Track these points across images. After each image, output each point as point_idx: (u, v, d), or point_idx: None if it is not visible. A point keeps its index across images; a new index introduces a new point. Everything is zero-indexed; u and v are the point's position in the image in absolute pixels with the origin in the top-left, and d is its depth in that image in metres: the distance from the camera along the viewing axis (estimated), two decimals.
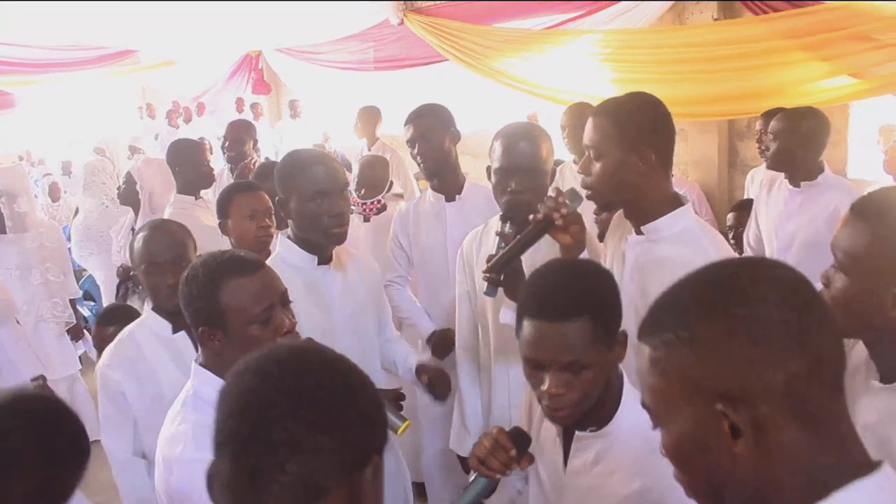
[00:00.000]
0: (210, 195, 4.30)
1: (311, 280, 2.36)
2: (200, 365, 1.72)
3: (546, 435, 1.77)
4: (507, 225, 2.27)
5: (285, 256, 2.38)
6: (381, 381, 2.64)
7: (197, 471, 1.30)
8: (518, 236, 2.15)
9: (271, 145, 9.41)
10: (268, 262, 1.94)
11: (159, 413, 1.83)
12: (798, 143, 3.42)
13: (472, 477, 1.65)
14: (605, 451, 1.62)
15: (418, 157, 3.16)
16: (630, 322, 2.03)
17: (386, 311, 2.73)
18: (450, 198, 3.21)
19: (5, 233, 4.14)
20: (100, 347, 2.83)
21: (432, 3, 6.61)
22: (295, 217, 2.36)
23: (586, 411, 1.59)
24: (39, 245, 4.28)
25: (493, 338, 2.63)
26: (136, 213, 4.45)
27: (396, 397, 2.42)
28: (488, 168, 2.47)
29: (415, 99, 6.46)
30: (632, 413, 1.57)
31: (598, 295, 1.58)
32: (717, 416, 0.87)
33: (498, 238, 2.24)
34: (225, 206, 2.97)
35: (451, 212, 3.21)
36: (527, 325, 1.57)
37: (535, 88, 5.58)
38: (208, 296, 1.66)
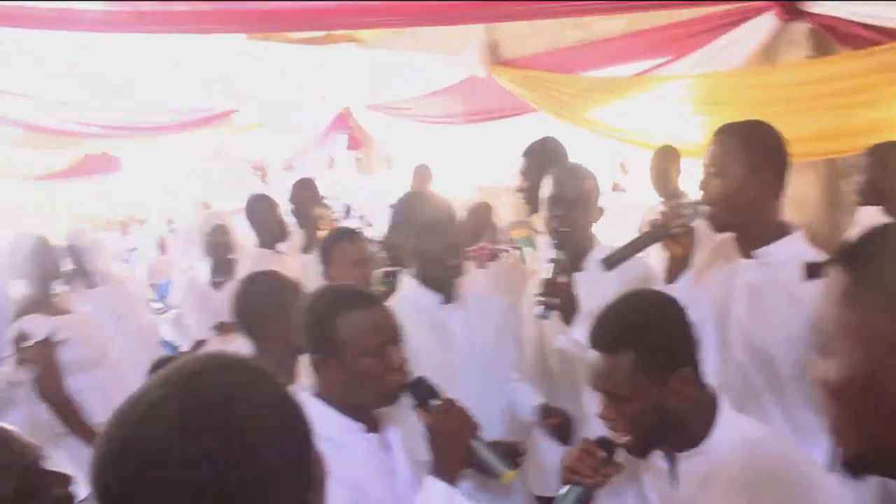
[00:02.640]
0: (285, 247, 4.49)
1: (434, 319, 2.42)
2: (312, 394, 1.78)
3: (650, 459, 1.77)
4: (558, 252, 2.41)
5: (409, 295, 2.44)
6: (505, 425, 2.61)
7: None
8: (637, 238, 2.23)
9: (365, 199, 9.63)
10: (392, 301, 2.02)
11: None
12: (886, 175, 3.34)
13: (563, 490, 1.66)
14: (712, 469, 1.62)
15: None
16: (738, 346, 2.04)
17: (512, 351, 2.71)
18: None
19: (94, 286, 4.52)
20: None
21: (518, 55, 6.70)
22: (412, 256, 2.44)
23: (655, 437, 1.62)
24: (124, 294, 4.61)
25: (557, 362, 2.67)
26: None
27: (511, 452, 2.42)
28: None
29: (505, 150, 6.55)
30: (733, 430, 1.60)
31: (651, 330, 1.62)
32: None
33: (552, 264, 2.36)
34: (327, 254, 3.06)
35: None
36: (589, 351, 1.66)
37: (625, 135, 5.58)
38: (325, 325, 1.72)
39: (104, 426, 0.91)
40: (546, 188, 2.62)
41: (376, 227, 6.01)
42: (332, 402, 1.74)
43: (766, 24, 4.92)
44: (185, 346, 5.34)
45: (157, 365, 3.06)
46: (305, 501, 0.94)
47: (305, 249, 4.54)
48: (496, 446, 1.94)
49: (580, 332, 2.22)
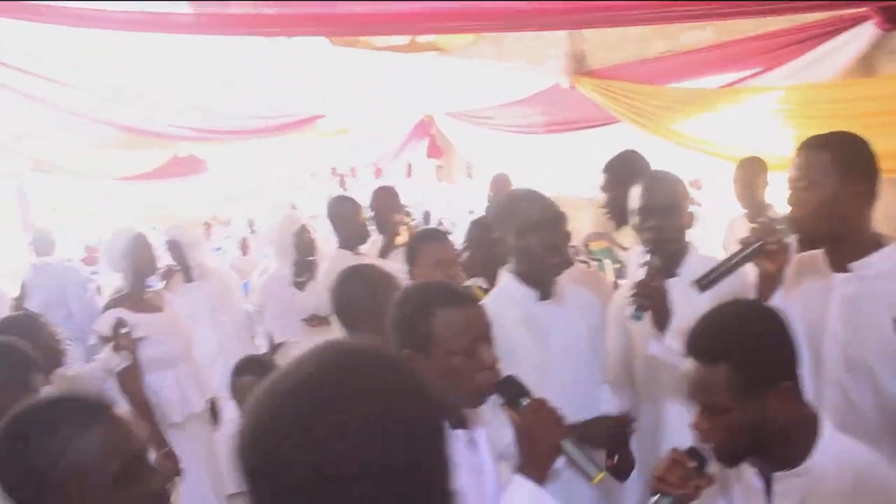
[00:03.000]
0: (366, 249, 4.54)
1: (530, 314, 2.42)
2: None
3: (744, 476, 1.72)
4: (653, 256, 2.37)
5: (506, 290, 2.47)
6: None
7: None
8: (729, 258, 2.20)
9: (445, 206, 9.68)
10: (490, 295, 2.03)
11: None
12: None
13: (653, 500, 1.65)
14: (811, 493, 1.58)
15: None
16: (836, 362, 1.99)
17: (603, 351, 2.72)
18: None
19: (192, 280, 4.63)
20: (236, 397, 2.94)
21: (603, 65, 6.64)
22: (513, 252, 2.46)
23: (749, 451, 1.58)
24: (221, 290, 4.72)
25: (641, 371, 2.63)
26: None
27: (617, 424, 2.42)
28: None
29: (585, 160, 6.49)
30: (835, 451, 1.54)
31: (751, 341, 1.57)
32: None
33: (645, 268, 2.34)
34: (413, 255, 3.07)
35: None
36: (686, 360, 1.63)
37: (712, 147, 5.46)
38: (418, 321, 1.72)
39: (252, 400, 0.92)
40: (635, 198, 2.58)
41: (456, 234, 6.01)
42: None
43: (864, 33, 4.76)
44: (262, 344, 5.47)
45: (242, 365, 3.11)
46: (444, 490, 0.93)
47: (383, 254, 4.57)
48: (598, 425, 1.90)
49: (673, 339, 2.19)
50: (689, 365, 1.59)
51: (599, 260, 7.57)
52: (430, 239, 3.17)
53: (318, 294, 4.22)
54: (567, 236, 2.55)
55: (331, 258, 4.33)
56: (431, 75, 7.20)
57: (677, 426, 2.43)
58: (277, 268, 4.67)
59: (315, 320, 4.25)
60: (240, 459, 0.90)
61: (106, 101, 6.69)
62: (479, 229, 3.85)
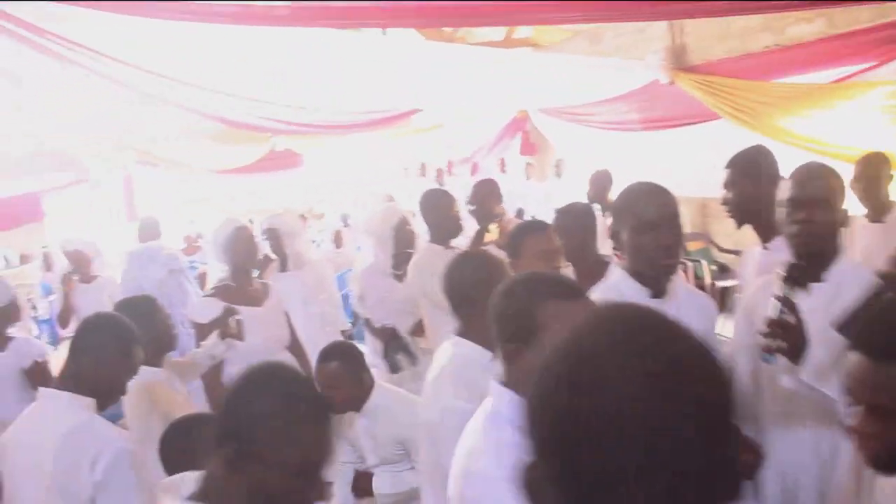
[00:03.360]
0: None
1: None
2: (501, 383, 1.73)
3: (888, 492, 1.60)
4: (789, 287, 2.17)
5: (617, 286, 2.37)
6: None
7: (494, 488, 1.45)
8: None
9: (537, 204, 9.59)
10: (601, 290, 1.97)
11: None
12: None
13: None
14: None
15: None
16: None
17: None
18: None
19: (287, 269, 4.67)
20: (320, 383, 2.93)
21: (704, 60, 6.45)
22: (627, 249, 2.38)
23: None
24: (314, 280, 4.74)
25: (772, 402, 2.47)
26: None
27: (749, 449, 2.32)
28: None
29: (682, 158, 6.30)
30: None
31: None
32: None
33: (778, 302, 2.14)
34: (517, 247, 2.99)
35: None
36: (850, 355, 1.46)
37: (821, 146, 5.22)
38: (525, 312, 1.65)
39: (543, 364, 0.92)
40: (785, 189, 2.40)
41: None
42: (525, 395, 1.68)
43: None
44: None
45: (328, 351, 3.10)
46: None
47: (473, 248, 4.53)
48: None
49: (810, 373, 2.01)
50: (854, 360, 1.43)
51: (697, 261, 7.39)
52: (533, 230, 3.05)
53: (415, 288, 4.23)
54: (680, 237, 2.39)
55: (420, 251, 4.31)
56: (527, 71, 7.12)
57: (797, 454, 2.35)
58: (376, 259, 4.67)
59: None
60: (539, 427, 0.91)
61: (209, 95, 6.85)
62: (569, 219, 3.76)
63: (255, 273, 4.59)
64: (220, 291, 3.87)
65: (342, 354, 2.98)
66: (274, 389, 1.48)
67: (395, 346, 4.48)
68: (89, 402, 2.22)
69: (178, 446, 2.25)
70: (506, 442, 1.53)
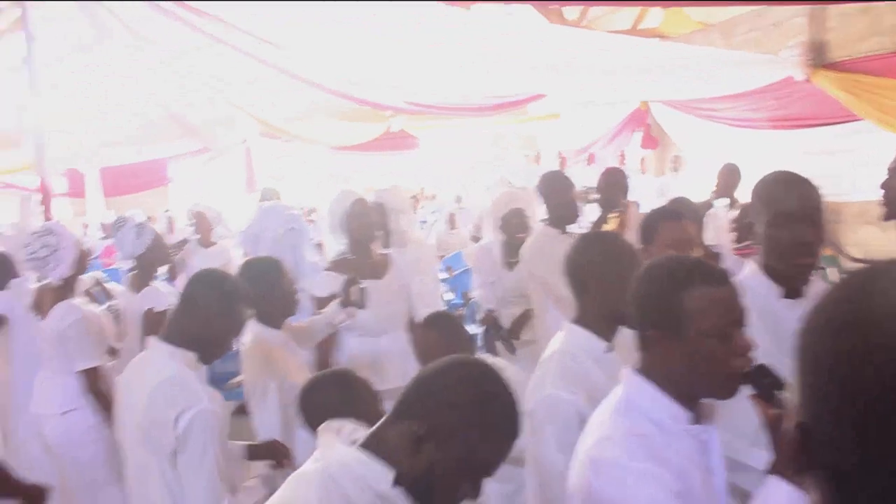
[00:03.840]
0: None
1: (771, 312, 2.10)
2: (636, 371, 1.63)
3: None
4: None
5: (748, 281, 2.14)
6: None
7: (625, 478, 1.47)
8: None
9: (649, 199, 9.29)
10: None
11: None
12: None
13: None
14: None
15: None
16: None
17: None
18: None
19: (389, 246, 4.62)
20: (418, 351, 2.84)
21: (847, 56, 6.06)
22: (761, 242, 2.19)
23: None
24: (414, 259, 4.66)
25: None
26: None
27: None
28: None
29: (810, 159, 5.95)
30: None
31: None
32: None
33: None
34: (649, 233, 2.83)
35: None
36: None
37: None
38: (669, 297, 1.56)
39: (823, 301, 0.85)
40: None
41: None
42: (661, 384, 1.58)
43: None
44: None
45: (431, 320, 3.00)
46: None
47: None
48: None
49: None
50: None
51: (823, 268, 6.96)
52: (669, 216, 2.86)
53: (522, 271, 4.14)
54: (821, 234, 2.14)
55: (536, 233, 4.20)
56: (652, 62, 6.86)
57: None
58: (489, 241, 4.60)
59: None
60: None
61: (333, 71, 6.92)
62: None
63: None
64: (340, 265, 3.81)
65: (442, 324, 2.86)
66: (483, 387, 1.46)
67: (495, 332, 4.40)
68: (190, 356, 2.22)
69: (318, 400, 2.23)
70: (638, 432, 1.52)
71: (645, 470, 1.48)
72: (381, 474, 1.39)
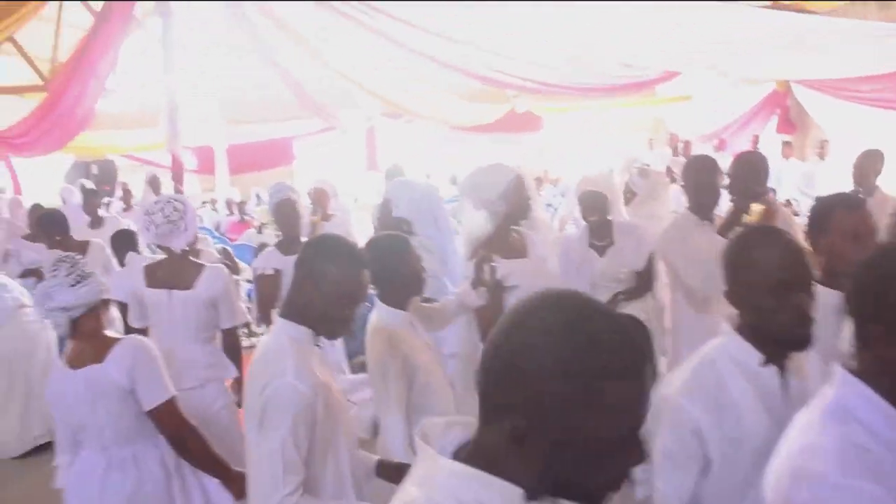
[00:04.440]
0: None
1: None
2: (850, 372, 1.40)
3: None
4: None
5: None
6: None
7: (834, 495, 1.25)
8: None
9: (795, 188, 8.73)
10: None
11: (735, 462, 1.74)
12: None
13: None
14: None
15: None
16: None
17: None
18: None
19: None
20: None
21: None
22: None
23: None
24: (544, 241, 4.49)
25: None
26: None
27: None
28: None
29: None
30: None
31: None
32: None
33: None
34: (824, 221, 2.51)
35: None
36: None
37: None
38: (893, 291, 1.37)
39: None
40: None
41: (801, 218, 5.23)
42: (880, 389, 1.35)
43: None
44: None
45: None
46: None
47: (723, 231, 3.98)
48: None
49: None
50: None
51: None
52: (847, 205, 2.51)
53: (617, 257, 3.90)
54: None
55: (675, 220, 3.86)
56: (793, 37, 6.37)
57: None
58: (572, 228, 4.39)
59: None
60: None
61: (458, 48, 6.83)
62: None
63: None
64: (484, 243, 3.59)
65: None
66: (577, 332, 1.04)
67: None
68: (302, 331, 2.03)
69: None
70: (852, 441, 1.30)
71: (860, 489, 1.27)
72: (503, 496, 1.06)
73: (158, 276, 3.37)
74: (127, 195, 8.85)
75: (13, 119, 10.25)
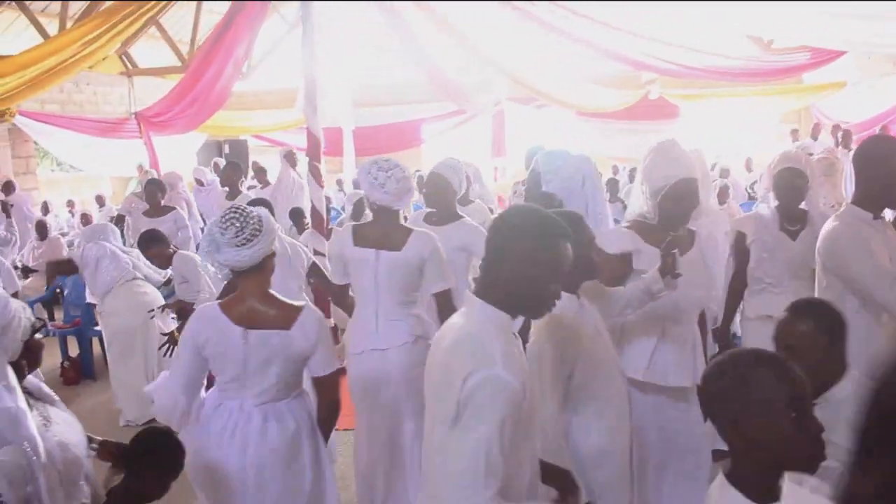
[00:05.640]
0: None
1: None
2: None
3: None
4: None
5: None
6: None
7: None
8: None
9: None
10: None
11: None
12: None
13: None
14: None
15: None
16: None
17: None
18: None
19: None
20: (782, 343, 2.35)
21: None
22: None
23: None
24: (708, 234, 4.18)
25: None
26: None
27: None
28: None
29: None
30: None
31: None
32: None
33: None
34: None
35: None
36: None
37: None
38: None
39: None
40: None
41: None
42: None
43: None
44: None
45: (802, 307, 2.45)
46: None
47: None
48: None
49: None
50: None
51: None
52: None
53: (810, 246, 3.50)
54: None
55: (840, 215, 3.41)
56: None
57: None
58: (764, 209, 4.01)
59: None
60: None
61: (599, 29, 6.64)
62: None
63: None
64: (637, 226, 3.25)
65: (819, 315, 2.23)
66: None
67: None
68: (500, 314, 1.82)
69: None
70: None
71: None
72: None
73: (367, 236, 3.37)
74: (260, 173, 8.98)
75: (154, 100, 10.72)
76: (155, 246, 4.60)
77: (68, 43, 7.17)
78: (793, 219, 3.63)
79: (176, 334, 4.04)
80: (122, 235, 7.08)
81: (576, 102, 11.24)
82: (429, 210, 4.21)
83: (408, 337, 3.33)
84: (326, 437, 2.63)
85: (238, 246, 2.35)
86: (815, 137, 10.73)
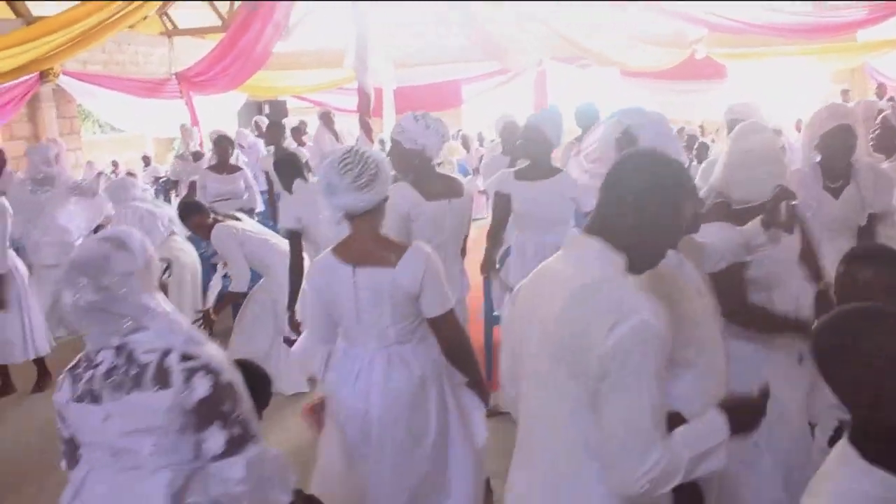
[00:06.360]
0: None
1: None
2: None
3: None
4: None
5: None
6: None
7: None
8: None
9: None
10: None
11: None
12: None
13: None
14: None
15: None
16: None
17: None
18: None
19: None
20: (839, 293, 2.19)
21: None
22: None
23: None
24: None
25: None
26: None
27: None
28: None
29: None
30: None
31: None
32: None
33: None
34: None
35: None
36: None
37: None
38: None
39: None
40: None
41: None
42: None
43: None
44: None
45: (864, 253, 2.30)
46: None
47: None
48: None
49: None
50: None
51: None
52: None
53: (853, 204, 3.33)
54: None
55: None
56: None
57: None
58: (804, 166, 3.86)
59: None
60: None
61: None
62: None
63: None
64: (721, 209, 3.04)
65: (885, 260, 2.05)
66: None
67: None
68: (618, 260, 1.67)
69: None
70: None
71: None
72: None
73: (432, 190, 3.37)
74: (296, 133, 8.92)
75: (194, 60, 10.69)
76: (195, 215, 4.50)
77: (109, 2, 7.16)
78: (836, 176, 3.46)
79: (211, 313, 4.14)
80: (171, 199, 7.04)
81: (622, 60, 11.02)
82: (520, 165, 4.26)
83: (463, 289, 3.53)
84: (469, 375, 2.57)
85: (357, 190, 2.32)
86: (880, 97, 10.36)
